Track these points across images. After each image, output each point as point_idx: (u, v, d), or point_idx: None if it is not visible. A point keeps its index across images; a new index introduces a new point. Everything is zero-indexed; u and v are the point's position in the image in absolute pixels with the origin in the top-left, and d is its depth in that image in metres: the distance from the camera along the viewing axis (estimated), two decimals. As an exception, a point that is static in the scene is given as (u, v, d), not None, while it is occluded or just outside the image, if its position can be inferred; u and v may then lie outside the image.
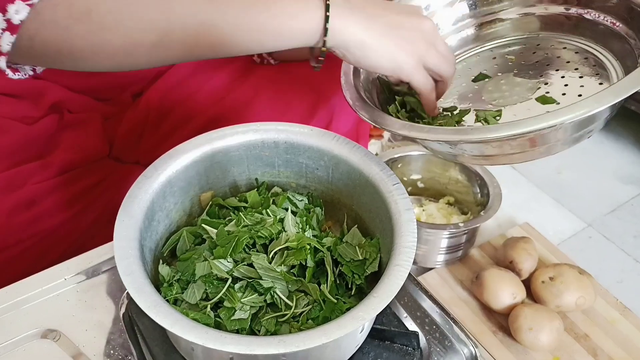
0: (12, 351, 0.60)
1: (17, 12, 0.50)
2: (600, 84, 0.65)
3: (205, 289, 0.54)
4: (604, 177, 1.58)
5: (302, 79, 0.95)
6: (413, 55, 0.65)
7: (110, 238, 0.59)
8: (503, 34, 0.78)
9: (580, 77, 0.67)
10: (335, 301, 0.55)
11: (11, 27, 0.51)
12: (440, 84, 0.70)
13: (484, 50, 0.77)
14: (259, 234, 0.58)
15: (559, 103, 0.65)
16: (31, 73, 0.61)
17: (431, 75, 0.68)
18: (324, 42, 0.62)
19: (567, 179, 1.57)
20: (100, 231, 0.85)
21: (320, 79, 0.94)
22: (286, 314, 0.53)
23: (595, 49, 0.70)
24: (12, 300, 0.64)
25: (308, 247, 0.56)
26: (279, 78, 0.95)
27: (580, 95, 0.65)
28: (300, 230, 0.60)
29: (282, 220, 0.60)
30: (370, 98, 0.71)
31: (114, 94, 0.92)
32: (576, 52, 0.71)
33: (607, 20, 0.69)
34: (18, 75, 0.59)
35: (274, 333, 0.53)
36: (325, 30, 0.61)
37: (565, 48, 0.72)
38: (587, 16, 0.71)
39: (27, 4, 0.50)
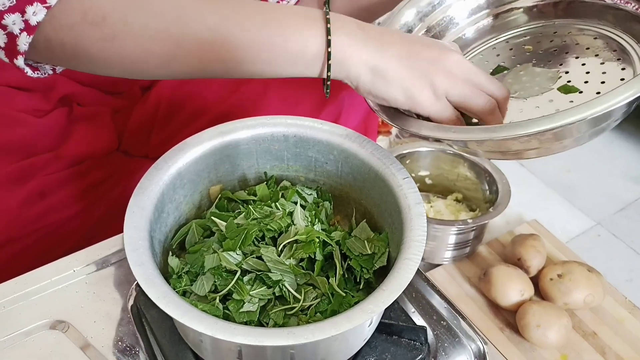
0: (21, 342, 0.60)
1: (35, 14, 0.51)
2: (623, 69, 0.64)
3: (214, 281, 0.54)
4: (613, 175, 1.57)
5: None
6: (429, 88, 0.59)
7: (119, 231, 0.59)
8: (519, 23, 0.76)
9: (602, 63, 0.65)
10: (344, 295, 0.55)
11: (29, 28, 0.51)
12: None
13: (500, 41, 0.76)
14: (268, 227, 0.57)
15: (581, 92, 0.63)
16: (50, 72, 0.61)
17: (459, 107, 0.62)
18: (329, 66, 0.58)
19: (576, 177, 1.56)
20: (109, 224, 0.86)
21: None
22: (295, 307, 0.53)
23: (615, 34, 0.68)
24: (21, 291, 0.65)
25: (317, 240, 0.56)
26: None
27: (603, 83, 0.63)
28: (309, 223, 0.60)
29: (291, 214, 0.60)
30: None
31: (123, 87, 0.92)
32: (595, 38, 0.69)
33: (629, 4, 0.67)
34: (37, 73, 0.59)
35: (282, 325, 0.53)
36: (328, 55, 0.57)
37: (583, 34, 0.70)
38: (608, 0, 0.69)
39: (45, 6, 0.50)
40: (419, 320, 0.65)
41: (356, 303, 0.51)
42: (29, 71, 0.58)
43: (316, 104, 0.92)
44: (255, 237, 0.56)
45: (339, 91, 0.93)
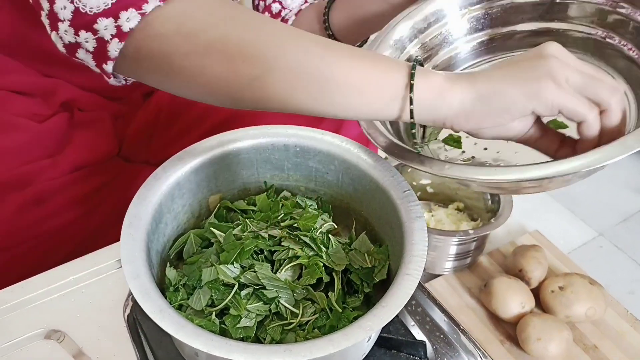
0: (15, 352, 0.60)
1: (129, 20, 0.49)
2: None
3: (211, 295, 0.53)
4: (616, 186, 1.56)
5: None
6: (549, 78, 0.52)
7: (118, 238, 0.58)
8: (515, 46, 0.74)
9: None
10: (341, 310, 0.54)
11: (120, 34, 0.50)
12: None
13: (494, 63, 0.75)
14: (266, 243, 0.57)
15: (568, 127, 0.60)
16: (124, 82, 0.59)
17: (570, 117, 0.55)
18: (411, 112, 0.54)
19: (579, 188, 1.55)
20: (109, 231, 0.85)
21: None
22: (292, 323, 0.53)
23: (605, 69, 0.67)
24: (17, 300, 0.64)
25: (320, 265, 0.56)
26: None
27: None
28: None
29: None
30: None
31: (125, 93, 0.91)
32: None
33: (624, 46, 0.67)
34: (115, 81, 0.57)
35: (280, 341, 0.52)
36: (411, 99, 0.53)
37: None
38: (601, 36, 0.69)
39: (139, 13, 0.49)
40: (418, 334, 0.64)
41: (355, 318, 0.50)
42: (111, 77, 0.56)
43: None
44: (253, 251, 0.56)
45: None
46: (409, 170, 1.27)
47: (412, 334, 0.63)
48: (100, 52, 0.52)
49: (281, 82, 0.52)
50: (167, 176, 0.59)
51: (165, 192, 0.58)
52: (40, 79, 0.83)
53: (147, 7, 0.49)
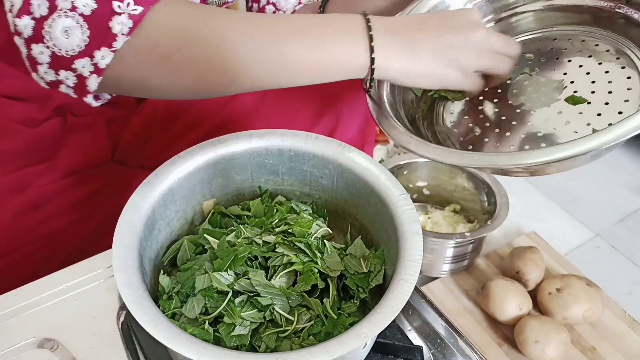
0: (8, 361, 0.59)
1: (103, 58, 0.53)
2: (629, 77, 0.63)
3: (205, 303, 0.53)
4: (613, 186, 1.56)
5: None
6: (459, 71, 0.64)
7: (113, 244, 0.58)
8: (520, 30, 0.75)
9: (606, 72, 0.65)
10: (337, 317, 0.54)
11: (98, 71, 0.54)
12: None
13: None
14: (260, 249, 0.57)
15: (589, 102, 0.62)
16: (109, 98, 0.65)
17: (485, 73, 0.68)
18: (372, 70, 0.62)
19: (576, 188, 1.55)
20: (105, 235, 0.83)
21: (327, 84, 0.93)
22: (287, 330, 0.52)
23: (615, 40, 0.67)
24: (10, 308, 0.64)
25: (315, 271, 0.55)
26: None
27: (610, 92, 0.62)
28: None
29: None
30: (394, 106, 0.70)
31: (118, 97, 0.91)
32: (596, 45, 0.68)
33: (622, 8, 0.67)
34: (99, 102, 0.63)
35: (275, 349, 0.51)
36: (372, 60, 0.61)
37: (583, 41, 0.70)
38: (606, 8, 0.69)
39: (111, 50, 0.53)
40: (415, 339, 0.63)
41: (351, 324, 0.49)
42: (93, 102, 0.61)
43: (313, 114, 0.91)
44: (248, 257, 0.55)
45: (335, 101, 0.92)
46: (405, 173, 1.27)
47: (409, 338, 0.62)
48: (81, 87, 0.56)
49: (247, 79, 0.59)
50: (160, 182, 0.59)
51: (158, 199, 0.58)
52: (34, 83, 0.83)
53: (117, 45, 0.53)
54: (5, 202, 0.76)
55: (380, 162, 1.16)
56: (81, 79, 0.55)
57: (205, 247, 0.60)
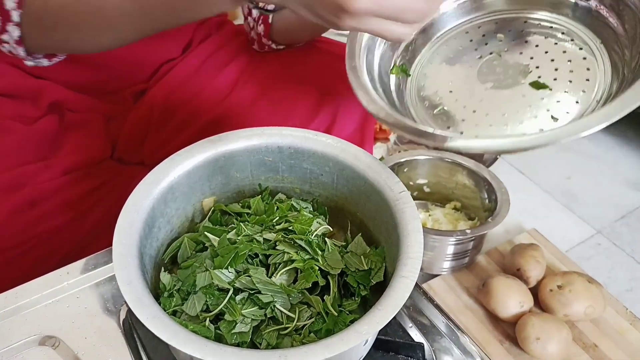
0: (10, 359, 0.59)
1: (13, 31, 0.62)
2: (588, 69, 0.66)
3: (206, 301, 0.53)
4: (614, 183, 1.56)
5: (307, 78, 0.94)
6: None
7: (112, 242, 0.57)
8: (494, 9, 0.76)
9: (569, 61, 0.67)
10: (338, 314, 0.54)
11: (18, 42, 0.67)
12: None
13: (473, 25, 0.76)
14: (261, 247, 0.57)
15: (551, 89, 0.65)
16: (46, 64, 0.76)
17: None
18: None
19: (577, 185, 1.55)
20: (103, 234, 0.84)
21: (325, 79, 0.93)
22: (288, 327, 0.52)
23: (581, 30, 0.69)
24: (11, 306, 0.64)
25: (316, 268, 0.55)
26: (283, 77, 0.94)
27: (570, 82, 0.65)
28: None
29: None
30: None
31: (113, 89, 0.91)
32: (563, 33, 0.70)
33: (602, 9, 0.68)
34: (53, 60, 0.72)
35: (276, 346, 0.51)
36: None
37: (552, 28, 0.71)
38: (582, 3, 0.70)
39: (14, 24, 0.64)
40: (416, 336, 0.63)
41: (351, 321, 0.49)
42: (45, 61, 0.71)
43: (309, 111, 0.91)
44: (248, 255, 0.55)
45: (333, 97, 0.91)
46: (405, 170, 1.26)
47: (410, 335, 0.62)
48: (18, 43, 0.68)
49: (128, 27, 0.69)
50: (159, 180, 0.59)
51: (158, 196, 0.58)
52: (27, 80, 0.83)
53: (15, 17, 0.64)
54: (2, 200, 0.77)
55: (380, 159, 1.16)
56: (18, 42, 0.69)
57: (206, 245, 0.60)
